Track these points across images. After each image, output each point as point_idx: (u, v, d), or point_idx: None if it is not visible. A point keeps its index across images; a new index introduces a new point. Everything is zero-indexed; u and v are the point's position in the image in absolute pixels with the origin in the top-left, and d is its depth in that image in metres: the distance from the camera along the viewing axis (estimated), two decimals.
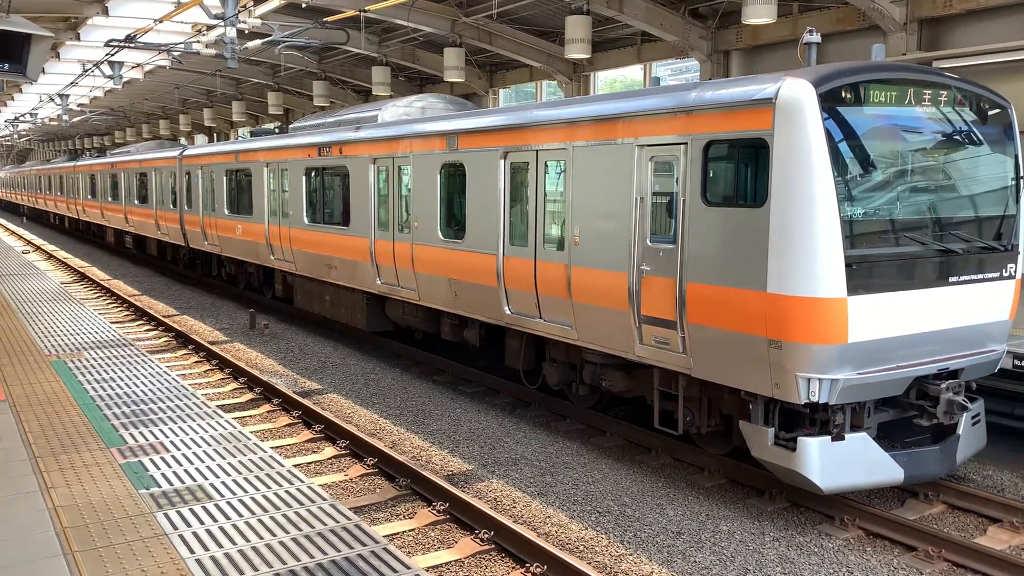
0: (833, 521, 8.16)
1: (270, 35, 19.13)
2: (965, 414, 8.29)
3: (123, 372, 10.29)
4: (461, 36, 22.95)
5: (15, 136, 62.61)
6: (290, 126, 19.02)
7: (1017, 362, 9.31)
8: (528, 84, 26.48)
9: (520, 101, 27.25)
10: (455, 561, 7.27)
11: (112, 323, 15.62)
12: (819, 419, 7.81)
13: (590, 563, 7.26)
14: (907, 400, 8.17)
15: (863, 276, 7.32)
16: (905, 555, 7.53)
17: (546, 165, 10.17)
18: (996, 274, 8.36)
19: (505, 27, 22.56)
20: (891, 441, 8.37)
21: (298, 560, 5.31)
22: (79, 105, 43.31)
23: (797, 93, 7.27)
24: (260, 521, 5.90)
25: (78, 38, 24.41)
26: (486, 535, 7.54)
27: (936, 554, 7.37)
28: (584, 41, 19.26)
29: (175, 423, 8.21)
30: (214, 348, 15.22)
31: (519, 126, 10.56)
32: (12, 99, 41.66)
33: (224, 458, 7.22)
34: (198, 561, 5.27)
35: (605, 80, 24.16)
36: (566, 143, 9.74)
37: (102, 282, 24.64)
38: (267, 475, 6.82)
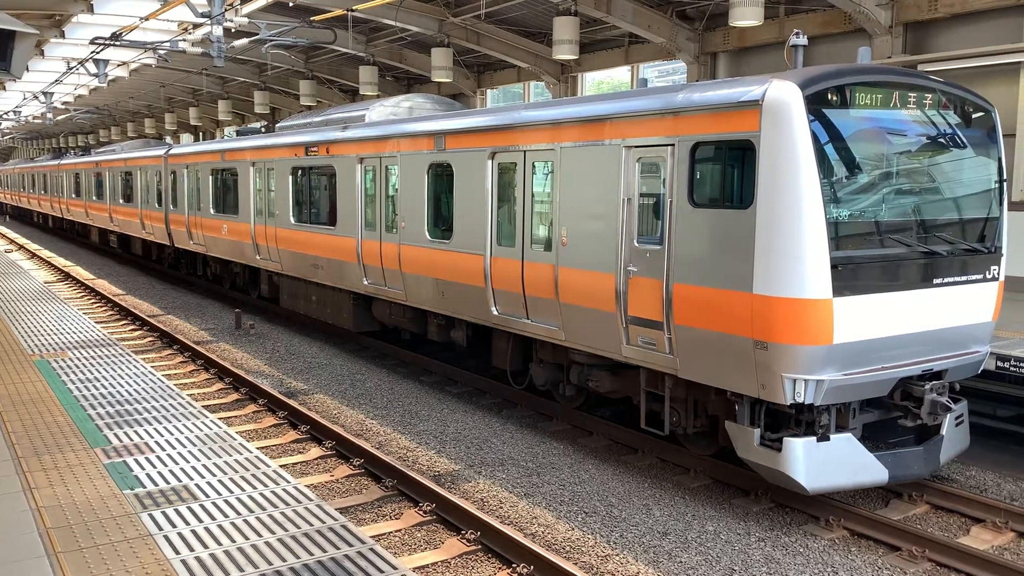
0: (818, 521, 8.20)
1: (257, 34, 19.06)
2: (949, 415, 8.35)
3: (107, 372, 10.22)
4: (449, 36, 22.95)
5: None
6: (277, 125, 18.96)
7: (1000, 363, 9.40)
8: (516, 85, 26.51)
9: (508, 102, 27.26)
10: (442, 562, 7.26)
11: (96, 323, 15.51)
12: (804, 420, 7.84)
13: (577, 563, 7.27)
14: (892, 401, 8.23)
15: (848, 277, 7.37)
16: (889, 555, 7.58)
17: (534, 166, 10.18)
18: (980, 276, 8.43)
19: (493, 27, 22.57)
20: (876, 442, 8.43)
21: (284, 560, 5.28)
22: (63, 103, 43.04)
23: (784, 95, 7.31)
24: (246, 521, 5.87)
25: (63, 35, 24.28)
26: (473, 536, 7.53)
27: (920, 554, 7.42)
28: (572, 42, 19.31)
29: (160, 423, 8.16)
30: (199, 348, 15.15)
31: (507, 127, 10.57)
32: None
33: (209, 458, 7.18)
34: (183, 562, 5.24)
35: (593, 81, 24.22)
36: (554, 144, 9.76)
37: (86, 281, 24.47)
38: (253, 475, 6.79)
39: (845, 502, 8.45)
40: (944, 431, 8.42)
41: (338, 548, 5.47)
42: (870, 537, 7.89)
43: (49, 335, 12.42)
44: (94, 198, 31.24)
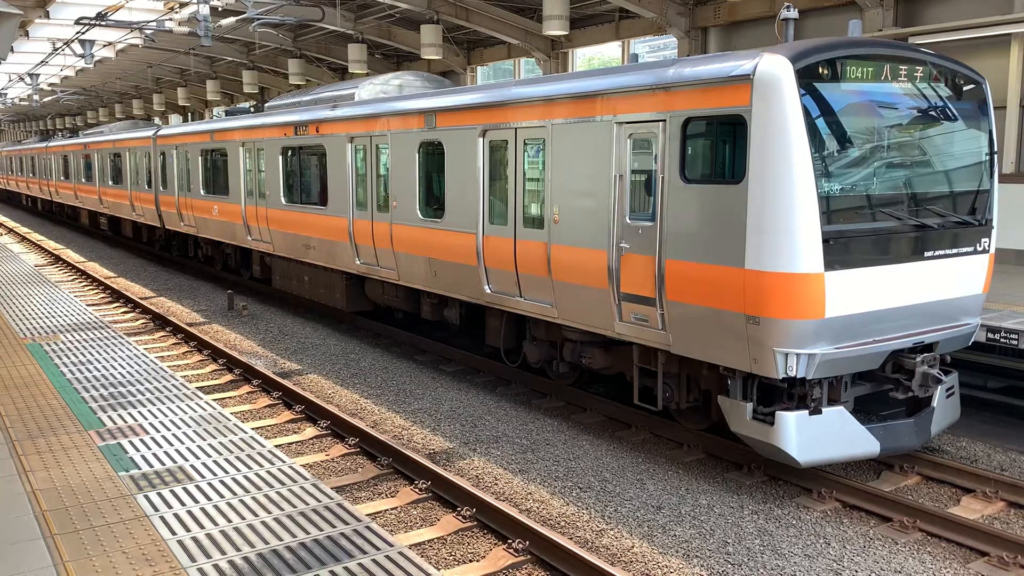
0: (811, 493, 8.27)
1: (244, 12, 18.89)
2: (940, 387, 8.41)
3: (100, 354, 10.20)
4: (438, 13, 22.76)
5: None
6: (266, 105, 18.82)
7: (991, 335, 9.45)
8: (506, 61, 26.34)
9: (498, 79, 27.11)
10: (438, 538, 7.31)
11: (88, 305, 15.45)
12: (797, 393, 7.89)
13: (572, 538, 7.32)
14: (883, 374, 8.27)
15: (840, 252, 7.38)
16: (881, 526, 7.65)
17: (525, 143, 10.14)
18: (970, 248, 8.45)
19: (482, 3, 22.39)
20: (867, 414, 8.49)
21: (280, 539, 5.31)
22: (50, 84, 42.64)
23: (775, 69, 7.28)
24: (242, 501, 5.89)
25: (47, 16, 24.01)
26: (468, 512, 7.57)
27: (911, 524, 7.49)
28: (562, 18, 19.18)
29: (154, 405, 8.16)
30: (192, 330, 15.12)
31: (497, 104, 10.51)
32: None
33: (204, 439, 7.19)
34: (179, 542, 5.27)
35: (583, 57, 24.08)
36: (545, 121, 9.72)
37: (77, 264, 24.36)
38: (248, 456, 6.81)
39: (837, 474, 8.52)
40: (935, 403, 8.48)
41: (334, 526, 5.50)
42: (862, 508, 7.96)
43: (41, 318, 12.38)
44: (83, 180, 31.04)
